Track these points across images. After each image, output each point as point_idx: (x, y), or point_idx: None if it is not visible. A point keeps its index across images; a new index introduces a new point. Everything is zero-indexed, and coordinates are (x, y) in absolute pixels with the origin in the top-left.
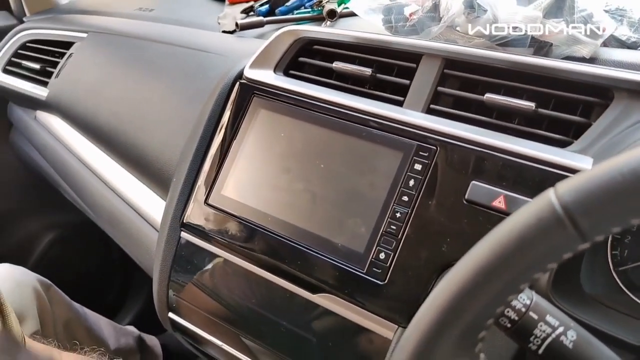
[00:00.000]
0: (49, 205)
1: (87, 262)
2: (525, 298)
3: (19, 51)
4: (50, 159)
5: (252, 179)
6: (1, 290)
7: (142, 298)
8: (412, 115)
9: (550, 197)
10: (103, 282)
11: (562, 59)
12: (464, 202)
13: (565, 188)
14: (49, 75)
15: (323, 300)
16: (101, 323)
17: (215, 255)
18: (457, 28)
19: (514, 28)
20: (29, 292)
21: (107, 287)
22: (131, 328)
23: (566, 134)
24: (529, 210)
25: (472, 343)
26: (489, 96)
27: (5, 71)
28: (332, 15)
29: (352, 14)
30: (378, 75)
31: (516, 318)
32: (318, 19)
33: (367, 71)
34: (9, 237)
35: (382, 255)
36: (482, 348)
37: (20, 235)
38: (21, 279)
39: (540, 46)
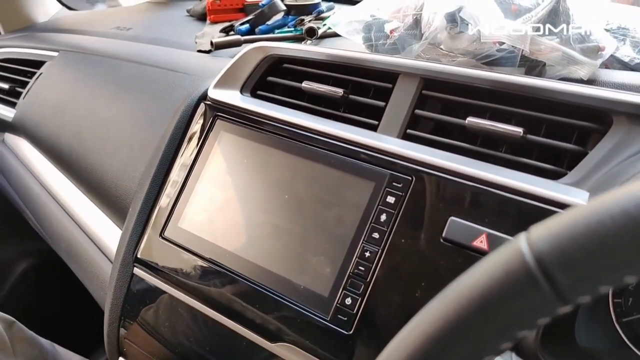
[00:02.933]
0: (22, 232)
1: (63, 293)
2: None
3: None
4: (14, 184)
5: (212, 211)
6: None
7: None
8: (386, 141)
9: (521, 244)
10: (81, 316)
11: (556, 79)
12: (441, 240)
13: (540, 233)
14: (18, 95)
15: (282, 350)
16: None
17: (168, 295)
18: (440, 46)
19: (500, 44)
20: None
21: (85, 321)
22: None
23: (559, 164)
24: (495, 261)
25: None
26: (471, 120)
27: None
28: (312, 33)
29: (336, 35)
30: (351, 96)
31: None
32: (299, 39)
33: (339, 92)
34: None
35: (348, 301)
36: None
37: None
38: None
39: (532, 66)
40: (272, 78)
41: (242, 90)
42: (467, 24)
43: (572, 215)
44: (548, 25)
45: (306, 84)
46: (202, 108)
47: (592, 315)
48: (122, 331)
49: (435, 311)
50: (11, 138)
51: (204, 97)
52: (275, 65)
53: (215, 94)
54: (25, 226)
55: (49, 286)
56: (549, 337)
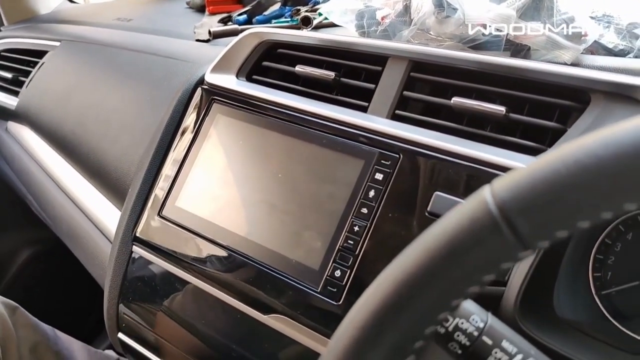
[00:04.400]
0: (25, 220)
1: (65, 280)
2: (478, 320)
3: None
4: (17, 171)
5: (208, 190)
6: None
7: None
8: (375, 122)
9: (485, 194)
10: (83, 303)
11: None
12: (427, 214)
13: (502, 184)
14: (21, 84)
15: (274, 321)
16: (74, 347)
17: (166, 272)
18: (430, 31)
19: (484, 27)
20: None
21: (87, 307)
22: (110, 352)
23: (541, 141)
24: (462, 211)
25: None
26: (456, 100)
27: None
28: (307, 22)
29: (332, 25)
30: (342, 79)
31: (467, 343)
32: (296, 28)
33: (331, 75)
34: None
35: (337, 273)
36: None
37: None
38: None
39: (517, 49)
40: (267, 63)
41: (237, 75)
42: (454, 9)
43: (531, 167)
44: (532, 11)
45: (299, 68)
46: (199, 92)
47: (573, 288)
48: (122, 307)
49: (407, 258)
50: (14, 126)
51: (201, 81)
52: (270, 50)
53: (212, 78)
54: (27, 214)
55: (50, 274)
56: (527, 305)
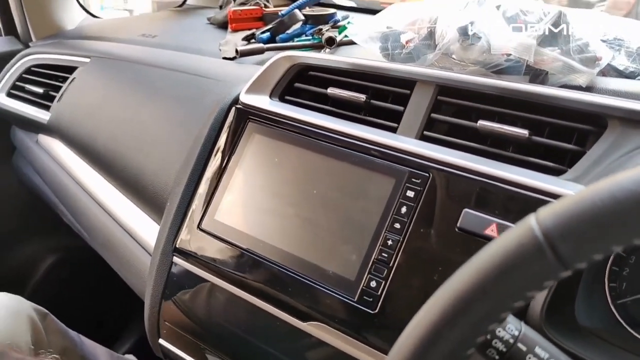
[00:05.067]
0: (49, 228)
1: (86, 287)
2: (513, 329)
3: (24, 75)
4: (49, 182)
5: (245, 204)
6: None
7: (142, 325)
8: (405, 142)
9: (531, 222)
10: (102, 309)
11: (558, 87)
12: (456, 230)
13: (546, 213)
14: (51, 99)
15: (313, 328)
16: (98, 352)
17: (206, 281)
18: (453, 55)
19: (508, 55)
20: (24, 322)
21: (106, 313)
22: (130, 357)
23: (561, 162)
24: (510, 236)
25: None
26: (482, 123)
27: (9, 95)
28: (331, 42)
29: (352, 43)
30: (372, 101)
31: (504, 349)
32: (318, 47)
33: (362, 97)
34: (9, 261)
35: (373, 284)
36: None
37: (21, 259)
38: (17, 309)
39: (536, 74)
40: (298, 84)
41: (271, 96)
42: (478, 37)
43: (572, 199)
44: (550, 38)
45: (331, 90)
46: (234, 111)
47: (591, 298)
48: (163, 314)
49: (461, 277)
50: (45, 139)
51: (235, 101)
52: (302, 72)
53: (247, 98)
54: (51, 223)
55: (71, 281)
56: (552, 315)
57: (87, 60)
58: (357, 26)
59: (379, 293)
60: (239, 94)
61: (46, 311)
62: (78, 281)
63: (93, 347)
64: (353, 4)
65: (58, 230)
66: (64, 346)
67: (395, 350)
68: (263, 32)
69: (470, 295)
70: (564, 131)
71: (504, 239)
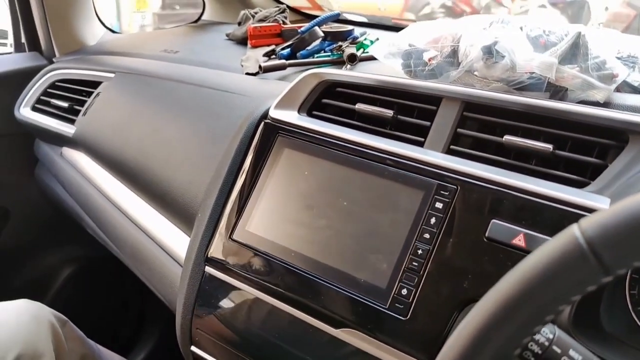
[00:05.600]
0: (68, 239)
1: (103, 297)
2: (548, 332)
3: (48, 90)
4: (74, 194)
5: (276, 215)
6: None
7: (156, 334)
8: (433, 155)
9: (575, 231)
10: (117, 318)
11: (577, 102)
12: (485, 239)
13: (588, 223)
14: (76, 113)
15: (345, 335)
16: None
17: (238, 290)
18: (475, 72)
19: (531, 73)
20: (46, 328)
21: (121, 322)
22: None
23: (583, 174)
24: (554, 245)
25: None
26: (508, 138)
27: (34, 109)
28: (353, 59)
29: (371, 58)
30: (399, 116)
31: (539, 352)
32: (338, 63)
33: (389, 113)
34: (29, 271)
35: (404, 291)
36: None
37: (40, 269)
38: (38, 315)
39: (556, 90)
40: (326, 100)
41: (299, 111)
42: (502, 56)
43: (612, 210)
44: (570, 56)
45: (360, 106)
46: (263, 126)
47: (613, 304)
48: (195, 322)
49: (509, 282)
50: (69, 152)
51: (264, 116)
52: (329, 88)
53: (276, 114)
54: (70, 233)
55: (88, 291)
56: (579, 320)
57: (112, 75)
58: (379, 44)
59: (410, 300)
60: (267, 109)
61: (65, 318)
62: (95, 291)
63: (110, 355)
64: (364, 20)
65: (76, 241)
66: (83, 353)
67: (445, 350)
68: (283, 49)
69: (518, 299)
70: (585, 145)
71: (549, 247)
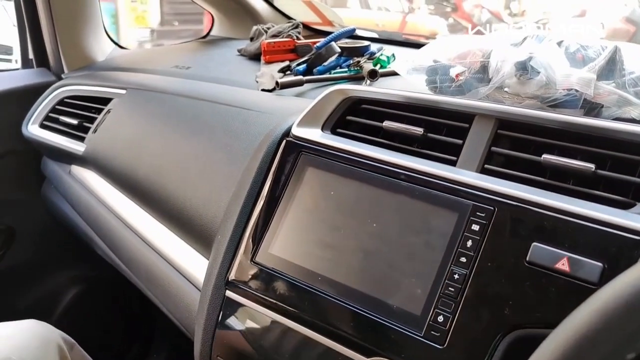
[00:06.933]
0: (75, 259)
1: (108, 317)
2: None
3: (57, 107)
4: (84, 214)
5: (301, 237)
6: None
7: (164, 357)
8: (467, 175)
9: None
10: (125, 338)
11: (612, 119)
12: (525, 264)
13: None
14: (86, 130)
15: None
16: None
17: (262, 315)
18: (506, 89)
19: (568, 90)
20: (53, 350)
21: (129, 342)
22: None
23: (625, 195)
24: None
25: None
26: (546, 157)
27: (43, 126)
28: (374, 75)
29: (391, 74)
30: (429, 134)
31: None
32: (357, 78)
33: (419, 131)
34: (35, 290)
35: (440, 318)
36: None
37: (46, 289)
38: (46, 336)
39: (592, 107)
40: (350, 117)
41: (323, 128)
42: (537, 72)
43: None
44: (607, 72)
45: (387, 123)
46: (284, 144)
47: None
48: (215, 349)
49: (586, 313)
50: (78, 170)
51: (286, 134)
52: (353, 106)
53: (299, 131)
54: (77, 253)
55: (95, 312)
56: None
57: (122, 91)
58: (401, 60)
59: (447, 327)
60: (289, 127)
61: (73, 341)
62: (102, 311)
63: None
64: (375, 35)
65: (83, 260)
66: None
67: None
68: (299, 64)
69: (596, 334)
70: (626, 164)
71: (629, 276)
